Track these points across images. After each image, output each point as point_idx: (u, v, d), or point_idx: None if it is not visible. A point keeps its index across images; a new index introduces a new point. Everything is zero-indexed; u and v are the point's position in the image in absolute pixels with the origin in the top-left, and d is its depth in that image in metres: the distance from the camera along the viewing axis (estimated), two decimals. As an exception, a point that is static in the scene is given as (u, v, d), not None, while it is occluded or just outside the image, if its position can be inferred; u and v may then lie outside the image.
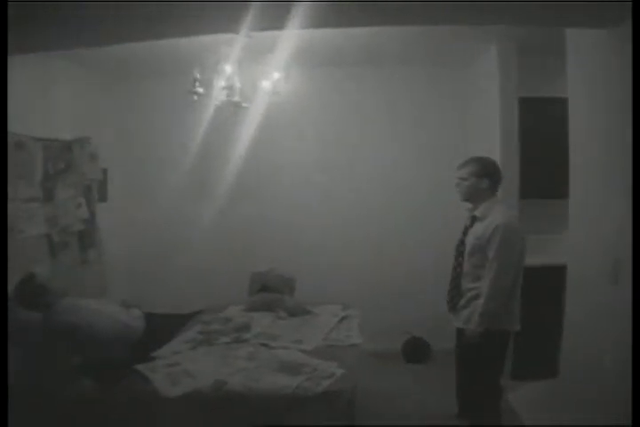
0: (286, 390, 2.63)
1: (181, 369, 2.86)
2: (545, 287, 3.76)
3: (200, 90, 3.29)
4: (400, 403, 3.81)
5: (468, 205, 3.19)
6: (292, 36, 3.19)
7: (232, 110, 3.40)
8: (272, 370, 2.83)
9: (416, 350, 4.67)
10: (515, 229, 2.98)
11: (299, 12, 2.27)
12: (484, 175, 3.08)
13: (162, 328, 3.46)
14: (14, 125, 3.26)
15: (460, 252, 3.22)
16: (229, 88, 3.25)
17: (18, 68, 3.33)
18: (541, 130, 4.02)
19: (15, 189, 3.26)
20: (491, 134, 4.19)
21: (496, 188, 3.15)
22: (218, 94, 3.29)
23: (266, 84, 3.36)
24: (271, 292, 3.96)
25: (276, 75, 3.35)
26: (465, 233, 3.20)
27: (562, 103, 3.30)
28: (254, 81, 3.37)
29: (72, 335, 3.03)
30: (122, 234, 4.80)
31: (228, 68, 3.15)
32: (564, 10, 2.35)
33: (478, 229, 3.06)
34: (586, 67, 2.99)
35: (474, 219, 3.13)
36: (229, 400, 2.63)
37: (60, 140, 3.75)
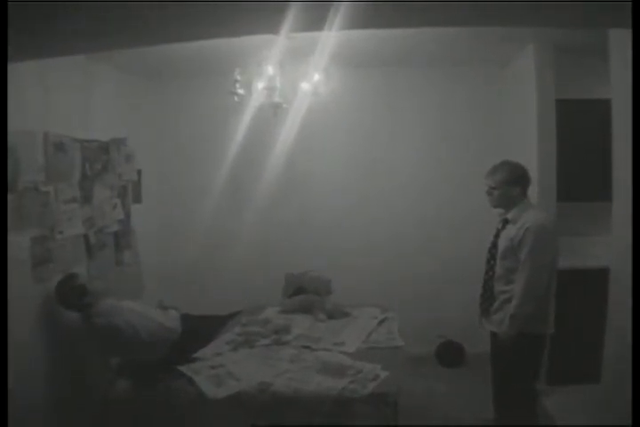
0: (332, 391, 2.64)
1: (225, 371, 2.88)
2: (587, 290, 3.71)
3: (240, 91, 3.29)
4: (435, 406, 3.79)
5: (499, 210, 3.17)
6: (332, 37, 3.18)
7: (272, 111, 3.39)
8: (316, 372, 2.84)
9: (450, 354, 4.63)
10: (547, 231, 2.94)
11: (338, 13, 2.26)
12: (516, 182, 3.05)
13: (199, 330, 3.47)
14: (55, 127, 3.30)
15: (492, 255, 3.18)
16: (270, 89, 3.25)
17: (57, 72, 3.37)
18: (580, 132, 3.97)
19: (56, 191, 3.26)
20: (527, 137, 4.15)
21: (526, 191, 3.11)
22: (258, 95, 3.30)
23: (306, 86, 3.36)
24: (307, 294, 3.96)
25: (317, 76, 3.35)
26: (497, 236, 3.16)
27: (601, 105, 3.28)
28: (294, 82, 3.36)
29: (113, 336, 3.03)
30: (157, 236, 4.81)
31: (270, 70, 3.15)
32: (593, 10, 2.31)
33: (511, 231, 3.02)
34: (629, 67, 2.95)
35: (506, 221, 3.10)
36: (275, 402, 2.64)
37: (97, 141, 3.76)
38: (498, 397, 3.36)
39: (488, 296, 3.18)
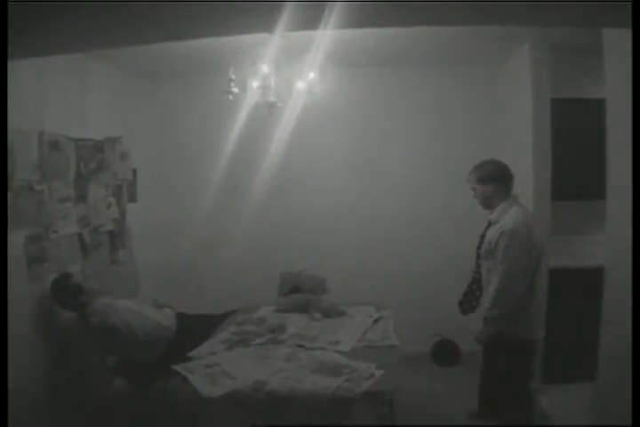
0: (327, 390, 2.63)
1: (220, 370, 2.87)
2: (583, 289, 3.70)
3: (235, 90, 3.28)
4: (432, 405, 3.79)
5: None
6: (327, 36, 3.18)
7: (267, 110, 3.39)
8: (311, 371, 2.83)
9: (446, 353, 4.63)
10: (522, 234, 2.89)
11: (333, 13, 2.26)
12: (488, 180, 3.07)
13: (194, 329, 3.46)
14: (51, 126, 3.29)
15: (478, 254, 3.20)
16: (265, 88, 3.24)
17: (54, 71, 3.36)
18: (575, 131, 3.97)
19: (51, 189, 3.25)
20: (523, 135, 4.15)
21: (507, 189, 3.10)
22: (253, 94, 3.29)
23: (301, 85, 3.35)
24: (303, 293, 3.96)
25: (312, 75, 3.34)
26: (483, 235, 3.17)
27: (596, 104, 3.28)
28: (289, 81, 3.36)
29: (110, 336, 3.04)
30: (152, 235, 4.79)
31: (265, 68, 3.14)
32: (593, 9, 2.31)
33: (491, 233, 3.03)
34: (625, 67, 2.95)
35: (489, 222, 3.11)
36: (271, 401, 2.63)
37: (92, 140, 3.74)
38: (483, 392, 3.38)
39: (472, 297, 3.19)
